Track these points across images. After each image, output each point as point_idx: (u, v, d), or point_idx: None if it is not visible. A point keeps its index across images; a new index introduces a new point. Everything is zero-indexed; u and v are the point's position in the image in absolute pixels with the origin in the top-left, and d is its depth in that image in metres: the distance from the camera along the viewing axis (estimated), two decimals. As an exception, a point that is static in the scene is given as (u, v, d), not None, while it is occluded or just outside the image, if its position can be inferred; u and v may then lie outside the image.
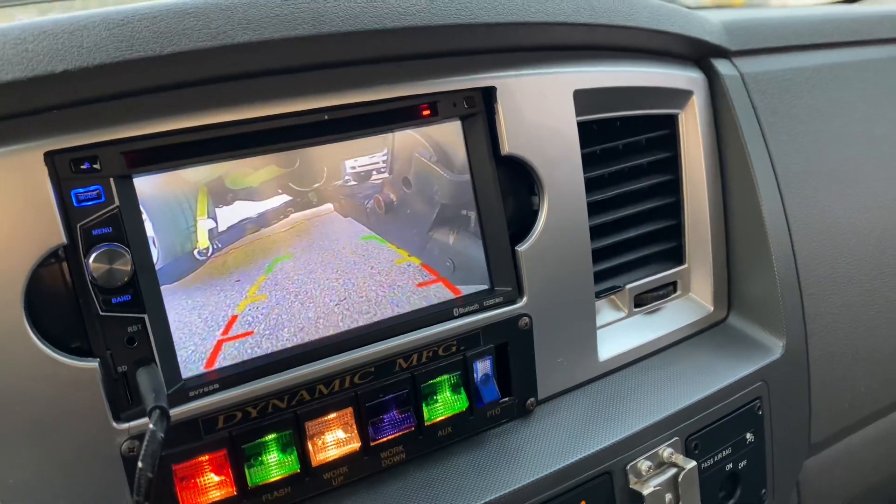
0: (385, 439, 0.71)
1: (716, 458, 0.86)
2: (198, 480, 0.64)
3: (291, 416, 0.66)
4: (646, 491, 0.77)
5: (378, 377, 0.70)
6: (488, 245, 0.76)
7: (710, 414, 0.86)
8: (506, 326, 0.76)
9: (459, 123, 0.75)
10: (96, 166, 0.59)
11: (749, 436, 0.90)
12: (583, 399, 0.84)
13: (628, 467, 0.78)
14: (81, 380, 0.59)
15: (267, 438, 0.66)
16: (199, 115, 0.62)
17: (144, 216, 0.62)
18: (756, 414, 0.90)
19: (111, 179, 0.59)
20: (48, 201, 0.57)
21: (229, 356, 0.66)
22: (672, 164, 0.95)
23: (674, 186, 0.95)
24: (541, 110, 0.76)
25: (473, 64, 0.74)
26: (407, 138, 0.73)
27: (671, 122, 0.94)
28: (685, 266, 0.97)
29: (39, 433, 0.58)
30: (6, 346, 0.56)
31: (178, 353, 0.63)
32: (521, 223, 0.79)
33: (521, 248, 0.76)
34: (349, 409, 0.69)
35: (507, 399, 0.78)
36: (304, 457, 0.67)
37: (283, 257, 0.68)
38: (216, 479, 0.64)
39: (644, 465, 0.79)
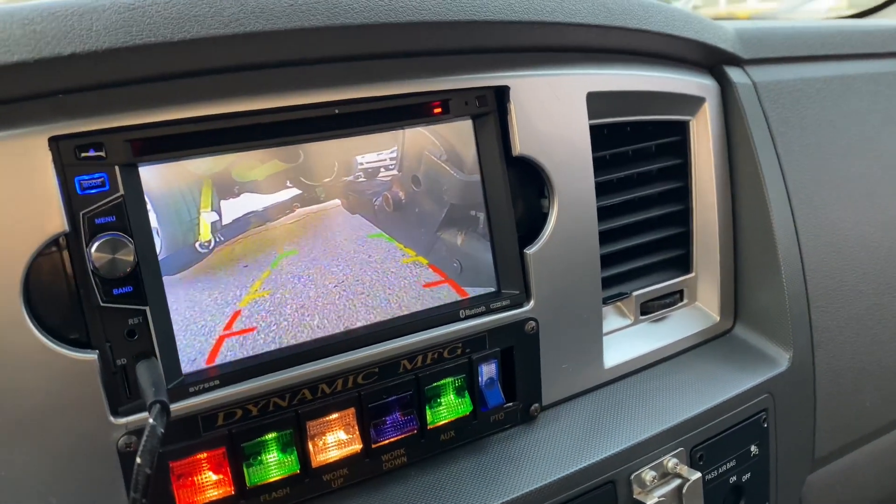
0: (387, 441, 0.69)
1: (720, 471, 0.85)
2: (195, 478, 0.62)
3: (293, 415, 0.65)
4: (650, 502, 0.76)
5: (382, 378, 0.69)
6: (496, 247, 0.75)
7: (715, 425, 0.85)
8: (512, 330, 0.75)
9: (471, 122, 0.74)
10: (101, 154, 0.57)
11: (754, 448, 0.88)
12: (587, 406, 0.82)
13: (632, 477, 0.77)
14: (79, 372, 0.57)
15: (267, 437, 0.64)
16: (207, 105, 0.61)
17: (148, 206, 0.60)
18: (761, 426, 0.89)
19: (116, 168, 0.58)
20: (51, 188, 0.55)
21: (231, 352, 0.64)
22: (682, 172, 0.94)
23: (683, 194, 0.94)
24: (553, 112, 0.75)
25: (487, 62, 0.73)
26: (417, 136, 0.71)
27: (682, 129, 0.93)
28: (692, 275, 0.96)
29: (34, 426, 0.56)
30: (3, 335, 0.55)
31: (178, 347, 0.62)
32: (530, 226, 0.78)
33: (530, 250, 0.75)
34: (351, 410, 0.67)
35: (510, 404, 0.77)
36: (304, 457, 0.66)
37: (288, 253, 0.67)
38: (214, 477, 0.63)
39: (648, 475, 0.77)
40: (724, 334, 0.98)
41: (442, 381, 0.72)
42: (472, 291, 0.75)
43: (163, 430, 0.51)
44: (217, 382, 0.62)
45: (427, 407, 0.71)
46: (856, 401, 1.00)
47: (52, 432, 0.57)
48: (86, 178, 0.57)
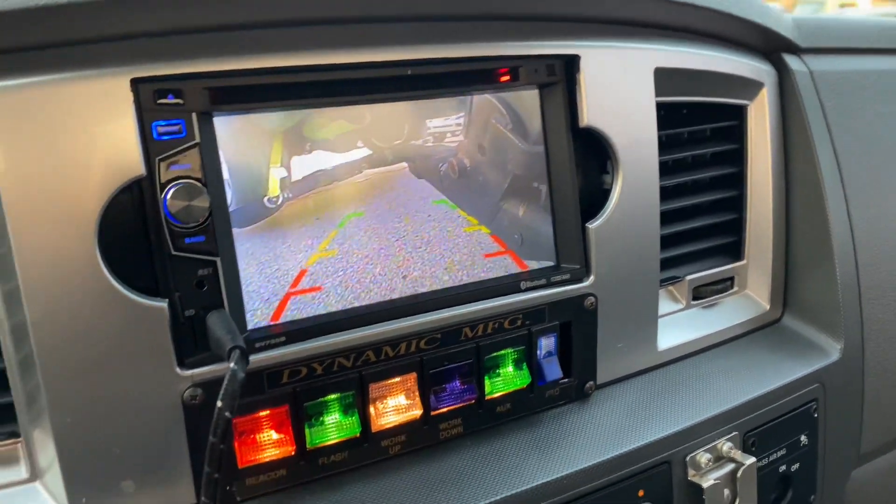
0: (445, 410, 0.68)
1: (770, 458, 0.84)
2: (257, 436, 0.61)
3: (356, 376, 0.64)
4: (705, 484, 0.74)
5: (444, 344, 0.68)
6: (558, 220, 0.74)
7: (767, 412, 0.83)
8: (571, 305, 0.74)
9: (537, 92, 0.73)
10: (180, 101, 0.57)
11: (803, 438, 0.87)
12: (641, 387, 0.81)
13: (688, 459, 0.76)
14: (149, 320, 0.56)
15: (330, 398, 0.63)
16: (285, 57, 0.60)
17: (220, 157, 0.60)
18: (812, 416, 0.88)
19: (193, 115, 0.57)
20: (130, 131, 0.55)
21: (295, 310, 0.63)
22: (737, 157, 0.93)
23: (736, 179, 0.93)
24: (622, 85, 0.74)
25: (558, 31, 0.72)
26: (484, 103, 0.71)
27: (738, 114, 0.92)
28: (743, 262, 0.95)
29: (101, 372, 0.55)
30: (77, 277, 0.54)
31: (244, 302, 0.61)
32: (589, 201, 0.77)
33: (592, 225, 0.74)
34: (413, 375, 0.66)
35: (566, 380, 0.76)
36: (364, 421, 0.65)
37: (355, 214, 0.66)
38: (275, 436, 0.62)
39: (703, 457, 0.76)
40: (772, 324, 0.96)
41: (501, 352, 0.71)
42: (532, 265, 0.74)
43: (244, 375, 0.50)
44: (283, 339, 0.61)
45: (486, 377, 0.70)
46: (903, 397, 0.99)
47: (118, 380, 0.56)
48: (163, 123, 0.56)
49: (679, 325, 0.88)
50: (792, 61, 0.94)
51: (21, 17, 0.50)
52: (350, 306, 0.65)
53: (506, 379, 0.71)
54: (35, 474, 0.58)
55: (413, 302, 0.67)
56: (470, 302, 0.69)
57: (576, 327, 0.75)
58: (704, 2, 0.79)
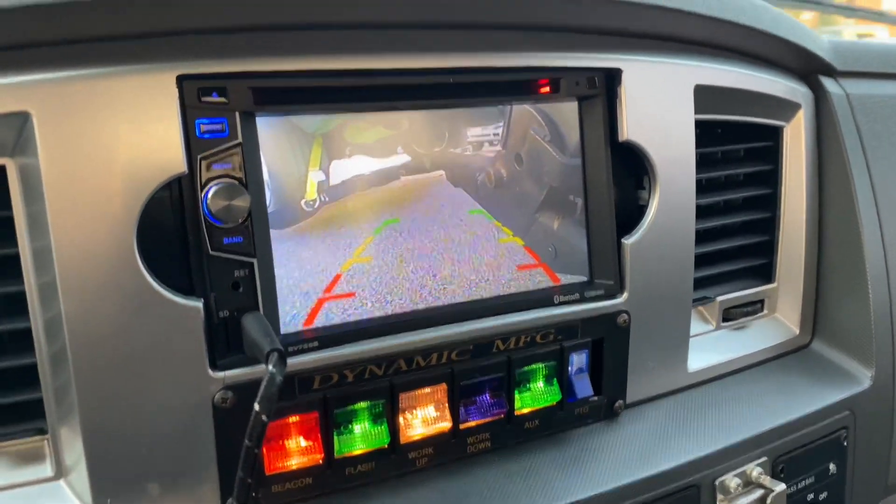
0: (474, 423, 0.67)
1: (799, 486, 0.82)
2: (285, 443, 0.60)
3: (387, 385, 0.63)
4: (735, 509, 0.73)
5: (475, 356, 0.67)
6: (592, 234, 0.73)
7: (797, 438, 0.82)
8: (604, 321, 0.73)
9: (576, 104, 0.72)
10: (224, 99, 0.56)
11: (832, 466, 0.85)
12: (670, 407, 0.80)
13: (717, 483, 0.74)
14: (184, 319, 0.55)
15: (359, 406, 0.62)
16: (330, 60, 0.59)
17: (261, 157, 0.59)
18: (841, 444, 0.86)
19: (237, 114, 0.57)
20: (174, 128, 0.54)
21: (328, 315, 0.62)
22: (771, 178, 0.92)
23: (770, 201, 0.92)
24: (662, 100, 0.74)
25: (599, 43, 0.72)
26: (523, 113, 0.70)
27: (774, 135, 0.91)
28: (774, 285, 0.93)
29: (133, 371, 0.55)
30: (115, 273, 0.53)
31: (279, 305, 0.60)
32: (623, 216, 0.76)
33: (628, 240, 0.73)
34: (443, 386, 0.65)
35: (596, 398, 0.74)
36: (394, 431, 0.64)
37: (391, 220, 0.65)
38: (304, 443, 0.61)
39: (733, 482, 0.75)
40: (801, 348, 0.95)
41: (533, 366, 0.70)
42: (564, 278, 0.73)
43: (281, 379, 0.49)
44: (316, 344, 0.60)
45: (516, 391, 0.69)
46: (932, 429, 0.97)
47: (149, 379, 0.55)
48: (206, 121, 0.56)
49: (709, 347, 0.87)
50: (829, 84, 0.93)
51: (69, 10, 0.49)
52: (383, 314, 0.64)
53: (536, 394, 0.70)
54: (60, 472, 0.57)
55: (446, 312, 0.66)
56: (503, 314, 0.68)
57: (608, 344, 0.74)
58: (746, 20, 0.78)
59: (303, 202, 0.62)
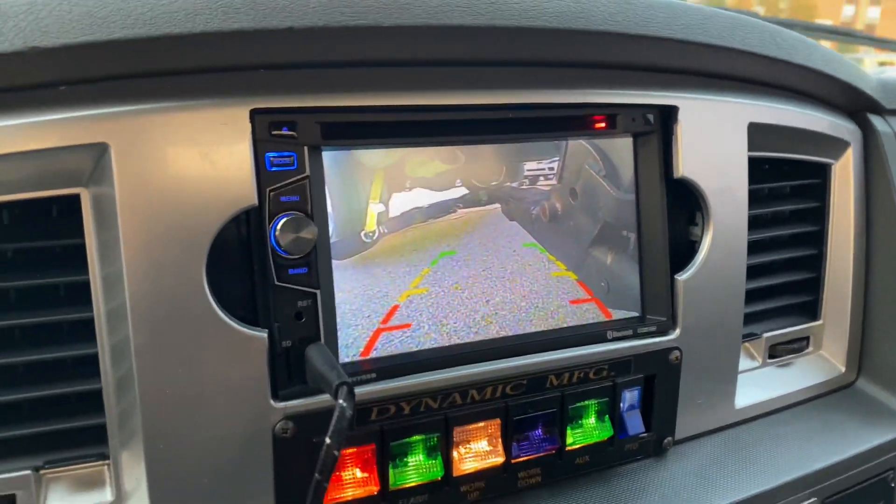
0: (525, 458, 0.67)
1: (847, 528, 0.81)
2: (342, 474, 0.60)
3: (442, 418, 0.63)
4: (786, 552, 0.72)
5: (529, 391, 0.67)
6: (646, 270, 0.73)
7: (845, 479, 0.81)
8: (656, 358, 0.73)
9: (631, 140, 0.73)
10: (293, 133, 0.57)
11: (880, 509, 0.84)
12: (718, 445, 0.79)
13: (767, 524, 0.73)
14: (249, 349, 0.56)
15: (415, 439, 0.62)
16: (395, 96, 0.60)
17: (326, 190, 0.60)
18: (889, 486, 0.85)
19: (305, 148, 0.58)
20: (246, 161, 0.55)
21: (385, 346, 0.63)
22: (818, 215, 0.91)
23: (817, 238, 0.92)
24: (717, 137, 0.74)
25: (656, 81, 0.72)
26: (579, 148, 0.70)
27: (822, 172, 0.91)
28: (820, 322, 0.93)
29: (197, 399, 0.55)
30: (183, 302, 0.54)
31: (338, 335, 0.61)
32: (674, 252, 0.76)
33: (682, 277, 0.73)
34: (497, 421, 0.65)
35: (645, 434, 0.74)
36: (447, 464, 0.64)
37: (447, 252, 0.65)
38: (360, 474, 0.61)
39: (783, 523, 0.74)
40: (846, 387, 0.94)
41: (585, 402, 0.69)
42: (616, 313, 0.73)
43: (352, 412, 0.49)
44: (374, 376, 0.61)
45: (568, 427, 0.69)
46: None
47: (213, 407, 0.56)
48: (276, 155, 0.57)
49: (755, 384, 0.86)
50: (877, 121, 0.92)
51: (147, 46, 0.51)
52: (438, 345, 0.64)
53: (587, 430, 0.70)
54: (120, 497, 0.58)
55: (500, 345, 0.66)
56: (557, 349, 0.68)
57: (659, 381, 0.73)
58: (799, 59, 0.78)
59: (362, 234, 0.62)
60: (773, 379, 0.88)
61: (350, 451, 0.60)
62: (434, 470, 0.63)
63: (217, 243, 0.56)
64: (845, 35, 1.97)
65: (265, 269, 0.57)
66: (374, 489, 0.61)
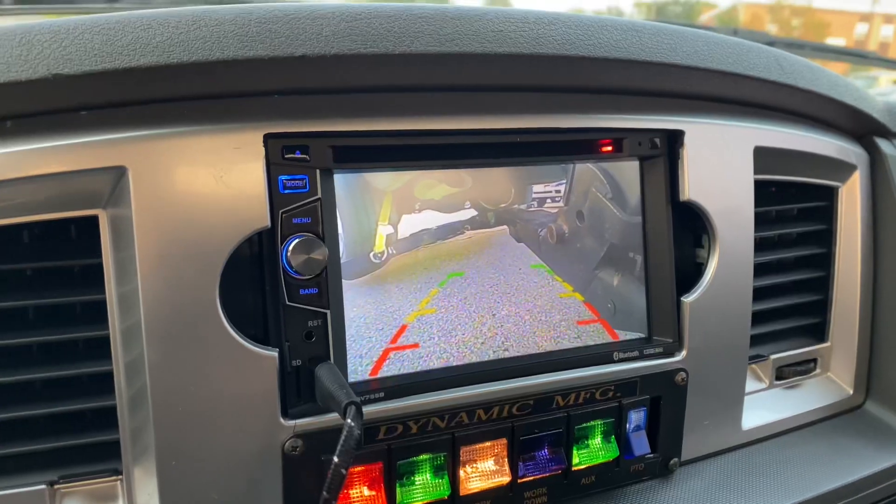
0: (532, 478, 0.68)
1: (855, 553, 0.81)
2: (350, 492, 0.61)
3: (449, 437, 0.64)
4: (792, 575, 0.72)
5: (535, 411, 0.67)
6: (652, 291, 0.74)
7: (852, 502, 0.81)
8: (662, 379, 0.73)
9: (637, 164, 0.74)
10: (306, 156, 0.59)
11: (889, 533, 0.84)
12: (724, 467, 0.79)
13: (773, 547, 0.73)
14: (260, 368, 0.57)
15: (422, 458, 0.63)
16: (406, 120, 0.62)
17: (337, 212, 0.61)
18: (897, 510, 0.85)
19: (317, 171, 0.59)
20: (260, 184, 0.56)
21: (393, 366, 0.64)
22: (825, 237, 0.92)
23: (824, 260, 0.92)
24: (723, 161, 0.75)
25: (662, 105, 0.73)
26: (585, 171, 0.71)
27: (829, 195, 0.91)
28: (827, 344, 0.93)
29: (209, 417, 0.56)
30: (197, 321, 0.55)
31: (347, 355, 0.62)
32: (680, 274, 0.76)
33: (688, 299, 0.74)
34: (503, 441, 0.66)
35: (651, 455, 0.74)
36: (454, 483, 0.64)
37: (455, 273, 0.66)
38: (367, 493, 0.62)
39: (790, 546, 0.74)
40: (854, 409, 0.94)
41: (591, 423, 0.70)
42: (623, 335, 0.73)
43: (360, 432, 0.50)
44: (382, 395, 0.62)
45: (574, 447, 0.69)
46: None
47: (224, 425, 0.57)
48: (288, 177, 0.58)
49: (762, 405, 0.86)
50: (884, 145, 0.93)
51: (165, 73, 0.52)
52: (446, 365, 0.65)
53: (593, 451, 0.70)
54: (132, 513, 0.59)
55: (507, 365, 0.67)
56: (563, 369, 0.69)
57: (665, 402, 0.74)
58: (805, 84, 0.79)
59: (371, 254, 0.63)
60: (781, 401, 0.88)
61: (358, 469, 0.61)
62: (441, 489, 0.63)
63: (230, 263, 0.57)
64: (858, 56, 1.97)
65: (276, 289, 0.58)
66: (381, 508, 0.61)
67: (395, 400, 0.62)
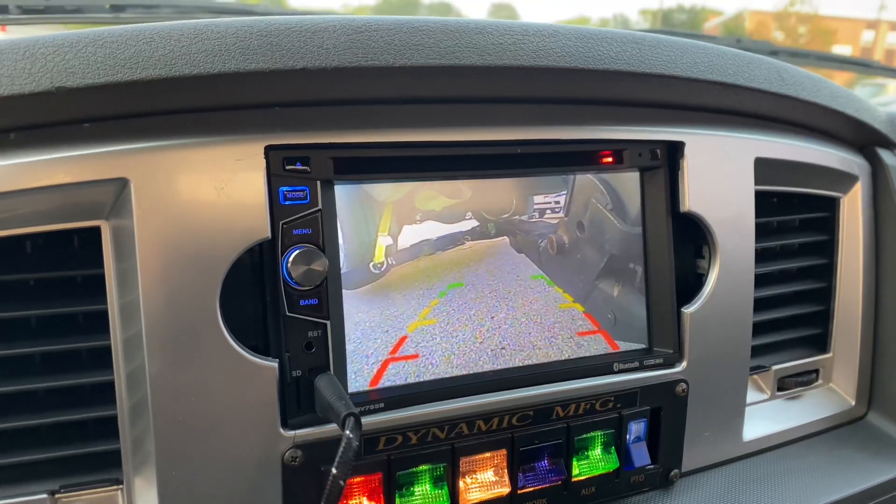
0: (532, 489, 0.68)
1: (857, 565, 0.80)
2: (349, 502, 0.61)
3: (449, 448, 0.64)
4: (793, 588, 0.72)
5: (535, 422, 0.67)
6: (652, 302, 0.74)
7: (855, 514, 0.80)
8: (663, 390, 0.73)
9: (638, 175, 0.74)
10: (306, 168, 0.59)
11: (891, 545, 0.83)
12: (725, 478, 0.79)
13: (774, 559, 0.73)
14: (260, 378, 0.57)
15: (421, 468, 0.63)
16: (406, 132, 0.62)
17: (337, 223, 0.61)
18: (900, 522, 0.84)
19: (318, 182, 0.59)
20: (260, 195, 0.57)
21: (393, 377, 0.64)
22: (827, 248, 0.92)
23: (826, 271, 0.92)
24: (723, 172, 0.75)
25: (663, 117, 0.73)
26: (586, 182, 0.72)
27: (830, 206, 0.91)
28: (829, 355, 0.93)
29: (209, 427, 0.57)
30: (197, 332, 0.55)
31: (347, 365, 0.62)
32: (681, 284, 0.76)
33: (689, 310, 0.74)
34: (503, 451, 0.66)
35: (652, 466, 0.74)
36: (454, 494, 0.64)
37: (455, 284, 0.67)
38: (367, 503, 0.62)
39: (791, 559, 0.74)
40: (856, 420, 0.94)
41: (591, 434, 0.70)
42: (623, 345, 0.74)
43: (358, 443, 0.50)
44: (382, 405, 0.62)
45: (574, 458, 0.69)
46: None
47: (224, 435, 0.57)
48: (289, 189, 0.58)
49: (763, 416, 0.86)
50: (886, 156, 0.93)
51: (168, 86, 0.53)
52: (446, 375, 0.65)
53: (593, 462, 0.70)
54: (132, 522, 0.59)
55: (507, 376, 0.67)
56: (563, 380, 0.69)
57: (666, 413, 0.74)
58: (806, 95, 0.79)
59: (371, 265, 0.64)
60: (782, 412, 0.88)
61: (358, 479, 0.61)
62: (440, 500, 0.64)
63: (230, 274, 0.58)
64: (862, 66, 1.97)
65: (277, 299, 0.58)
66: (380, 518, 0.62)
67: (395, 411, 0.62)
